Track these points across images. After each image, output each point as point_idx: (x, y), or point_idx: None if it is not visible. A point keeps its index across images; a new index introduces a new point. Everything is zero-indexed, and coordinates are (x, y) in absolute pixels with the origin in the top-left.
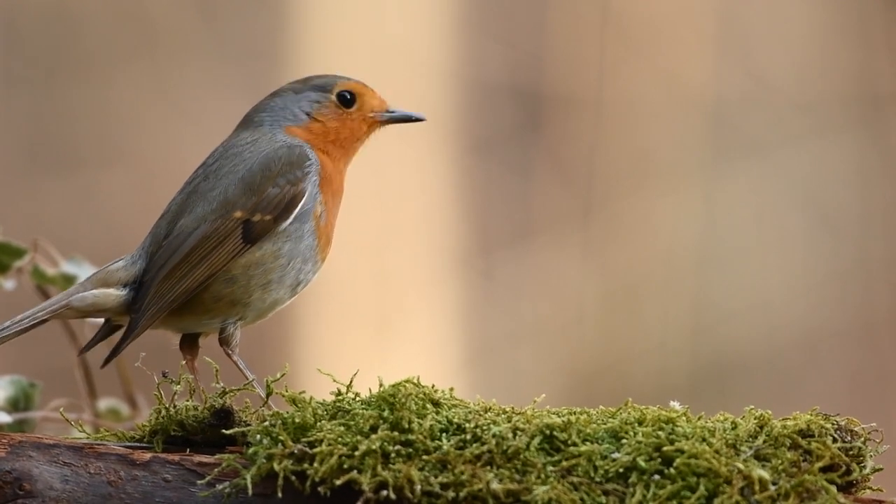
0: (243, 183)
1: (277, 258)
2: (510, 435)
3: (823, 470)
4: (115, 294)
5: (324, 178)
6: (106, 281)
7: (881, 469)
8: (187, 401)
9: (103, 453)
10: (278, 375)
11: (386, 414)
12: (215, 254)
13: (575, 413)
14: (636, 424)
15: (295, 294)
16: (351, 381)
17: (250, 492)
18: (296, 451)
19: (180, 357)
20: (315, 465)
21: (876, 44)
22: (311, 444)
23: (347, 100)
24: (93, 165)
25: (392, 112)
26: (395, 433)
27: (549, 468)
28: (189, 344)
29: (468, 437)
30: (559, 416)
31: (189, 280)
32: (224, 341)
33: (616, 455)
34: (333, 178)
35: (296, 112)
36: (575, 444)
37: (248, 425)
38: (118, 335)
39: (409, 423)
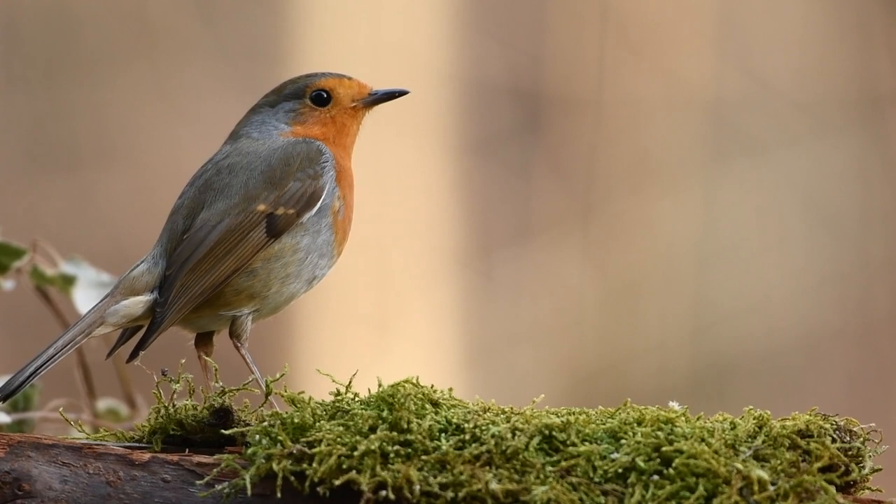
0: (264, 177)
1: (296, 252)
2: (509, 435)
3: (822, 470)
4: (144, 300)
5: (339, 173)
6: (133, 288)
7: (880, 469)
8: (186, 400)
9: (102, 453)
10: (278, 376)
11: (385, 414)
12: (240, 247)
13: (574, 413)
14: (635, 425)
15: (310, 287)
16: (350, 382)
17: (249, 492)
18: (295, 452)
19: (179, 356)
20: (314, 465)
21: (876, 44)
22: (310, 445)
23: (324, 99)
24: (92, 166)
25: (375, 93)
26: (394, 433)
27: (548, 468)
28: (204, 341)
29: (467, 437)
30: (558, 417)
31: (214, 274)
32: (234, 333)
33: (615, 455)
34: (347, 173)
35: (276, 125)
36: (574, 445)
37: (248, 425)
38: (135, 336)
39: (408, 423)
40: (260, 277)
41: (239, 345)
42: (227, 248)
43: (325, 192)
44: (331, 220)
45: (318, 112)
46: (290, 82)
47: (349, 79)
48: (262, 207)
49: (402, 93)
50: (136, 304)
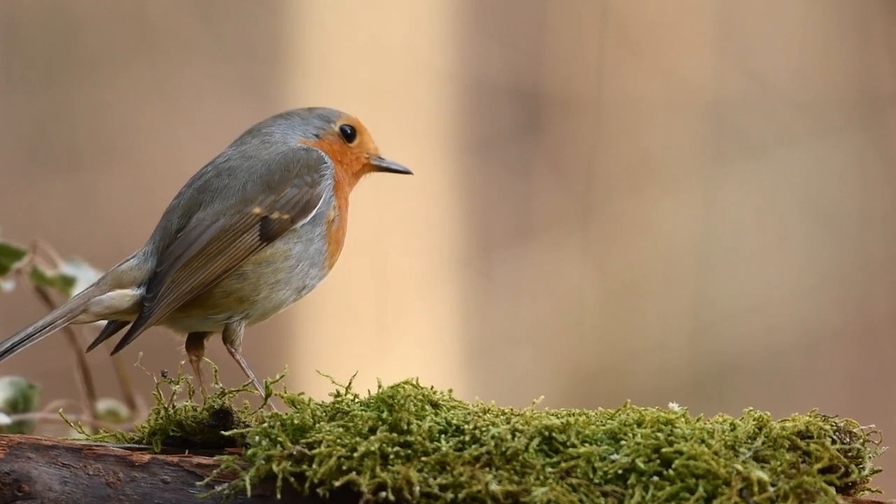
0: (262, 181)
1: (287, 258)
2: (509, 436)
3: (822, 471)
4: (131, 294)
5: (337, 184)
6: (120, 282)
7: (880, 470)
8: (186, 401)
9: (102, 455)
10: (277, 377)
11: (385, 415)
12: (232, 248)
13: (574, 414)
14: (635, 426)
15: (299, 297)
16: (350, 383)
17: (249, 493)
18: (294, 453)
19: (179, 357)
20: (314, 466)
21: (876, 44)
22: (310, 446)
23: (348, 134)
24: (92, 166)
25: (382, 160)
26: (394, 434)
27: (548, 469)
28: (195, 345)
29: (467, 438)
30: (558, 418)
31: (205, 272)
32: (228, 339)
33: (615, 456)
34: (345, 187)
35: (305, 130)
36: (574, 446)
37: (247, 426)
38: (122, 332)
39: (408, 424)
40: (250, 281)
41: (233, 350)
42: (219, 248)
43: (321, 201)
44: (324, 230)
45: (342, 143)
46: (320, 108)
47: (370, 133)
48: (257, 210)
49: (405, 171)
50: (122, 297)
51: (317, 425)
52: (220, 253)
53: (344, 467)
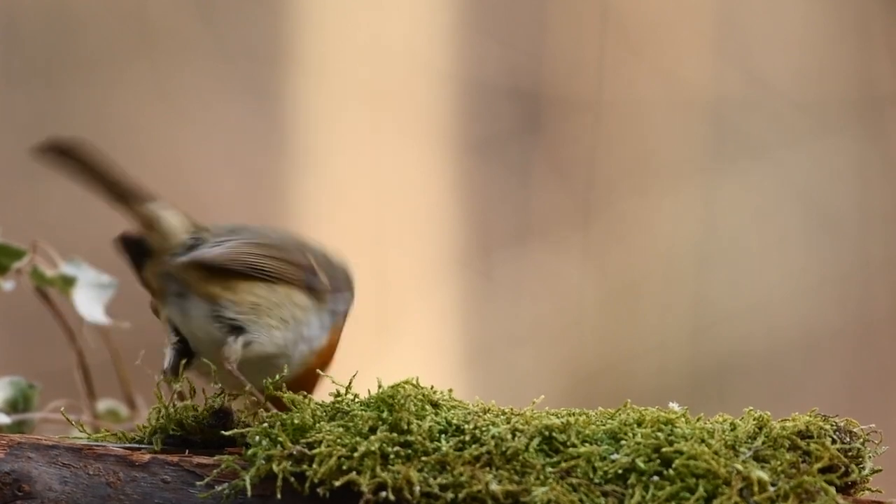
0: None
1: (305, 311)
2: (509, 436)
3: (822, 471)
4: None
5: (336, 328)
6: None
7: (880, 470)
8: (187, 401)
9: (102, 454)
10: (277, 377)
11: (385, 415)
12: (289, 266)
13: (574, 414)
14: (635, 426)
15: (277, 362)
16: (350, 382)
17: (249, 493)
18: (295, 453)
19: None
20: (314, 466)
21: (876, 44)
22: (310, 446)
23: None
24: None
25: None
26: (395, 434)
27: (549, 469)
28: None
29: (467, 438)
30: (558, 418)
31: (261, 254)
32: (223, 354)
33: (615, 456)
34: (335, 339)
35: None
36: (574, 446)
37: (248, 426)
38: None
39: (409, 424)
40: (271, 300)
41: (229, 365)
42: (281, 256)
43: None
44: (327, 335)
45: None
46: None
47: None
48: (311, 259)
49: None
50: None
51: (317, 425)
52: (279, 258)
53: (344, 467)
